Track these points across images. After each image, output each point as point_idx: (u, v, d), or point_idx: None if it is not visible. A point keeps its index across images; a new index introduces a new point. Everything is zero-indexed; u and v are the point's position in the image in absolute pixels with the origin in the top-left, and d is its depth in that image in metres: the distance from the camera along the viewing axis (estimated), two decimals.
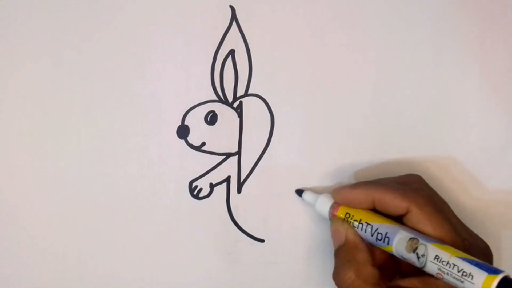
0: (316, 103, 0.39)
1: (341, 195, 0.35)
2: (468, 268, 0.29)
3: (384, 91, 0.39)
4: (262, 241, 0.38)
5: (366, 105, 0.39)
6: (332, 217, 0.35)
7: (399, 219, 0.34)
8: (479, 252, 0.33)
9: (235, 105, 0.38)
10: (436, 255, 0.31)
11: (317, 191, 0.37)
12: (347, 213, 0.35)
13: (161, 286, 0.38)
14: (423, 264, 0.31)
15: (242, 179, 0.38)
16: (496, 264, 0.36)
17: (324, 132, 0.39)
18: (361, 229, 0.34)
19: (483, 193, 0.39)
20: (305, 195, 0.37)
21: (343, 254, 0.34)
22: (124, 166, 0.37)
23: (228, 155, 0.38)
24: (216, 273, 0.38)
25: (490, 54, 0.39)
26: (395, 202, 0.33)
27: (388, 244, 0.33)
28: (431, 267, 0.31)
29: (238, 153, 0.38)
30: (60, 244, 0.37)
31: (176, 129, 0.38)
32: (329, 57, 0.38)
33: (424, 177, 0.37)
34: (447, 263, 0.30)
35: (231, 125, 0.38)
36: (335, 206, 0.35)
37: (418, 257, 0.31)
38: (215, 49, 0.38)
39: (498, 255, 0.38)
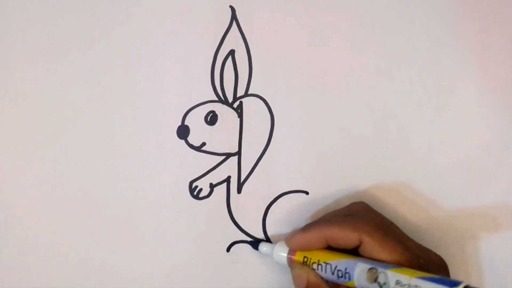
0: (316, 103, 0.39)
1: (294, 241, 0.35)
2: (429, 286, 0.29)
3: (384, 91, 0.39)
4: (263, 241, 0.38)
5: (366, 105, 0.39)
6: (291, 263, 0.35)
7: (355, 252, 0.34)
8: (434, 266, 0.34)
9: (235, 105, 0.38)
10: (397, 280, 0.31)
11: (273, 240, 0.38)
12: (304, 256, 0.35)
13: (160, 285, 0.38)
14: None
15: (242, 179, 0.38)
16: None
17: (324, 132, 0.39)
18: (322, 270, 0.34)
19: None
20: (261, 247, 0.37)
21: None
22: (124, 166, 0.37)
23: (228, 155, 0.38)
24: (216, 273, 0.38)
25: (490, 54, 0.39)
26: (345, 236, 0.33)
27: (349, 279, 0.33)
28: None
29: (238, 153, 0.38)
30: (60, 244, 0.37)
31: (176, 129, 0.38)
32: (329, 57, 0.39)
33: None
34: (409, 285, 0.30)
35: (231, 125, 0.38)
36: (292, 252, 0.35)
37: (381, 286, 0.31)
38: (215, 49, 0.38)
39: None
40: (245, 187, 0.38)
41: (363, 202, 0.37)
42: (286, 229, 0.39)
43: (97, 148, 0.37)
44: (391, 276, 0.31)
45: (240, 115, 0.38)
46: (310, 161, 0.39)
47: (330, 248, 0.35)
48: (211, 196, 0.38)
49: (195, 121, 0.38)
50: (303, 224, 0.38)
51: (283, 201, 0.39)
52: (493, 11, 0.39)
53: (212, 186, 0.38)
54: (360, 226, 0.33)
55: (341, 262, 0.33)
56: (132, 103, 0.37)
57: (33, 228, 0.37)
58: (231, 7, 0.38)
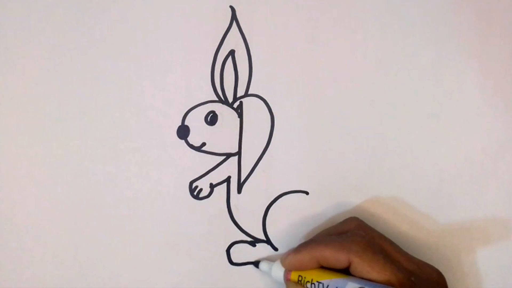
0: (316, 103, 0.39)
1: (287, 262, 0.35)
2: None
3: (384, 91, 0.39)
4: (262, 241, 0.39)
5: (366, 105, 0.39)
6: (286, 282, 0.36)
7: (348, 271, 0.34)
8: (428, 281, 0.34)
9: (235, 105, 0.38)
10: None
11: (273, 259, 0.38)
12: (299, 275, 0.35)
13: (160, 285, 0.38)
14: None
15: (242, 179, 0.38)
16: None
17: (324, 131, 0.39)
18: None
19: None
20: (261, 265, 0.38)
21: None
22: (124, 166, 0.37)
23: (228, 155, 0.38)
24: (216, 273, 0.38)
25: (490, 54, 0.39)
26: (335, 257, 0.34)
27: None
28: None
29: (238, 153, 0.38)
30: (60, 244, 0.37)
31: (176, 129, 0.38)
32: (329, 57, 0.39)
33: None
34: None
35: (231, 125, 0.38)
36: (287, 271, 0.36)
37: None
38: (215, 50, 0.38)
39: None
40: (245, 187, 0.38)
41: (356, 218, 0.37)
42: (286, 229, 0.39)
43: (97, 148, 0.37)
44: None
45: (240, 115, 0.38)
46: (310, 161, 0.39)
47: (325, 267, 0.35)
48: (211, 196, 0.38)
49: (195, 121, 0.38)
50: (303, 224, 0.38)
51: (283, 201, 0.39)
52: (493, 11, 0.39)
53: (212, 186, 0.38)
54: (348, 246, 0.33)
55: (332, 281, 0.33)
56: (132, 103, 0.37)
57: (33, 228, 0.37)
58: (231, 7, 0.38)
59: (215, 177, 0.38)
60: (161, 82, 0.38)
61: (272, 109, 0.38)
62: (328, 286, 0.34)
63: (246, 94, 0.38)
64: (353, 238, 0.34)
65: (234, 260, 0.38)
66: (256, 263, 0.38)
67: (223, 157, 0.38)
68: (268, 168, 0.38)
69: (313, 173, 0.39)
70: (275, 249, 0.39)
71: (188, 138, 0.38)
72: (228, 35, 0.38)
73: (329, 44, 0.39)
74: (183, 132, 0.38)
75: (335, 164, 0.39)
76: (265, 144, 0.38)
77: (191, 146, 0.38)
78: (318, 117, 0.39)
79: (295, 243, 0.38)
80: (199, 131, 0.38)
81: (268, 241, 0.39)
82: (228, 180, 0.38)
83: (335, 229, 0.37)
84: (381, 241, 0.35)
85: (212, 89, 0.38)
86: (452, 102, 0.39)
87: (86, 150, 0.37)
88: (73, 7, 0.37)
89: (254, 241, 0.39)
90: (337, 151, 0.39)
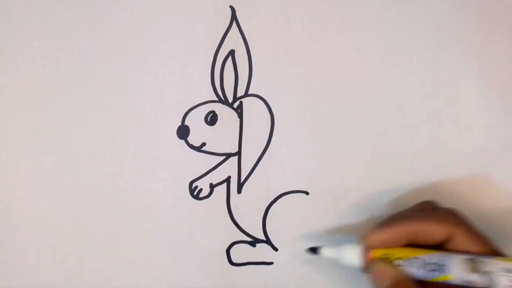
0: (316, 102, 0.39)
1: (374, 239, 0.33)
2: None
3: (384, 90, 0.39)
4: (262, 241, 0.38)
5: (366, 105, 0.39)
6: (368, 262, 0.33)
7: (436, 248, 0.33)
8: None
9: (235, 105, 0.38)
10: (505, 268, 0.29)
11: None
12: (386, 253, 0.33)
13: (160, 286, 0.38)
14: (491, 281, 0.30)
15: (242, 179, 0.38)
16: None
17: (324, 131, 0.39)
18: (408, 265, 0.32)
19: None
20: (324, 250, 0.35)
21: None
22: (124, 166, 0.37)
23: (228, 155, 0.38)
24: (216, 273, 0.38)
25: (490, 54, 0.39)
26: (431, 231, 0.32)
27: (444, 272, 0.31)
28: (501, 281, 0.30)
29: (238, 153, 0.38)
30: (60, 244, 0.37)
31: (176, 129, 0.38)
32: (329, 56, 0.39)
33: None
34: None
35: (231, 125, 0.38)
36: (365, 251, 0.33)
37: (481, 276, 0.30)
38: (215, 50, 0.38)
39: None
40: (245, 187, 0.38)
41: (432, 201, 0.35)
42: (286, 229, 0.39)
43: (97, 148, 0.37)
44: (495, 264, 0.30)
45: (240, 115, 0.38)
46: (310, 161, 0.39)
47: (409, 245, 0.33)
48: (211, 196, 0.38)
49: (195, 121, 0.38)
50: (303, 224, 0.38)
51: (283, 201, 0.39)
52: (493, 11, 0.39)
53: (212, 186, 0.38)
54: (446, 219, 0.32)
55: (432, 255, 0.32)
56: (132, 103, 0.37)
57: (33, 228, 0.37)
58: (231, 7, 0.38)
59: (215, 177, 0.38)
60: (161, 82, 0.38)
61: (272, 109, 0.39)
62: (428, 260, 0.31)
63: (246, 94, 0.38)
64: (447, 211, 0.32)
65: (234, 260, 0.38)
66: (313, 249, 0.36)
67: (223, 157, 0.38)
68: (268, 168, 0.38)
69: (313, 173, 0.39)
70: (275, 249, 0.39)
71: (188, 138, 0.38)
72: (228, 35, 0.38)
73: (329, 44, 0.39)
74: (183, 132, 0.38)
75: (335, 164, 0.39)
76: (265, 144, 0.39)
77: (191, 146, 0.38)
78: (318, 117, 0.39)
79: (295, 243, 0.38)
80: (199, 131, 0.38)
81: (268, 241, 0.39)
82: (228, 180, 0.38)
83: (411, 210, 0.35)
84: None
85: (212, 89, 0.38)
86: (452, 102, 0.39)
87: (86, 150, 0.37)
88: (73, 7, 0.37)
89: (254, 241, 0.39)
90: (337, 151, 0.39)
